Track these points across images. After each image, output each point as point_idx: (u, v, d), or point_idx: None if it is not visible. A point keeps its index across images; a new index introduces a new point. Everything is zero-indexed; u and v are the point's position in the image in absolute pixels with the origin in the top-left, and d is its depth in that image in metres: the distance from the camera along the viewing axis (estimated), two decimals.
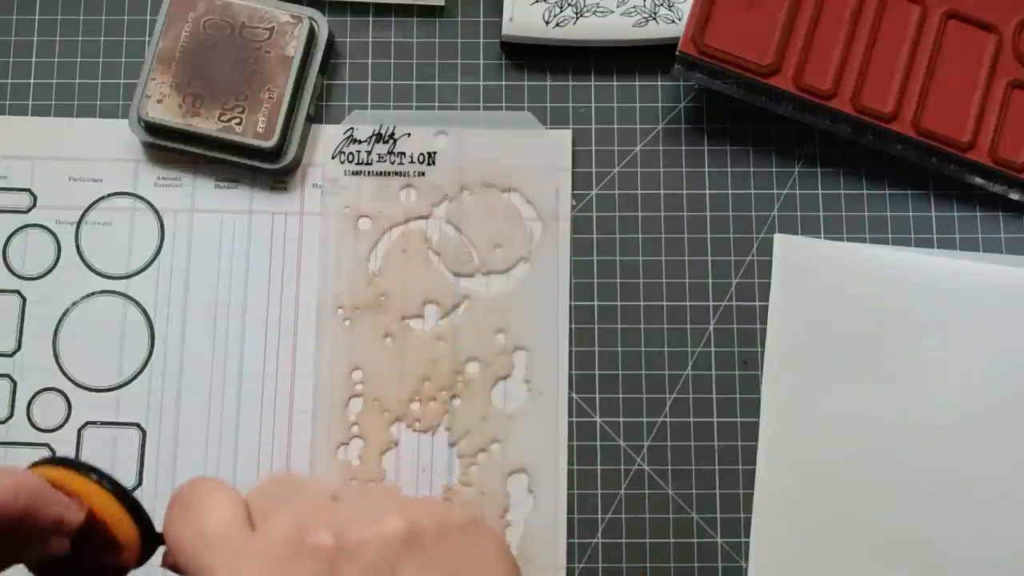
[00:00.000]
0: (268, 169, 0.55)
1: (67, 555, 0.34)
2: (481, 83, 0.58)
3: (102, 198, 0.56)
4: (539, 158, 0.56)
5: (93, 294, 0.55)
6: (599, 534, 0.53)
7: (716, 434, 0.54)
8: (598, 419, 0.54)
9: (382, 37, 0.58)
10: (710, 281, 0.56)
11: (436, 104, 0.58)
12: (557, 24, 0.56)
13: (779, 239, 0.56)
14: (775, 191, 0.57)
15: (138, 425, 0.54)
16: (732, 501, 0.53)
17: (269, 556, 0.33)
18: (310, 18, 0.56)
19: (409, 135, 0.57)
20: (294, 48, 0.55)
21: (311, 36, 0.56)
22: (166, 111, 0.54)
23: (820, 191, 0.57)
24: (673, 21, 0.56)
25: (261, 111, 0.54)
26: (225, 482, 0.36)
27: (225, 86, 0.54)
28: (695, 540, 0.53)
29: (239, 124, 0.54)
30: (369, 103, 0.58)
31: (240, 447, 0.54)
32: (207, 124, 0.54)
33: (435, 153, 0.57)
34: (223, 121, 0.54)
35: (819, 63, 0.54)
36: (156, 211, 0.56)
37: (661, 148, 0.57)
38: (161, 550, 0.35)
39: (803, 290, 0.55)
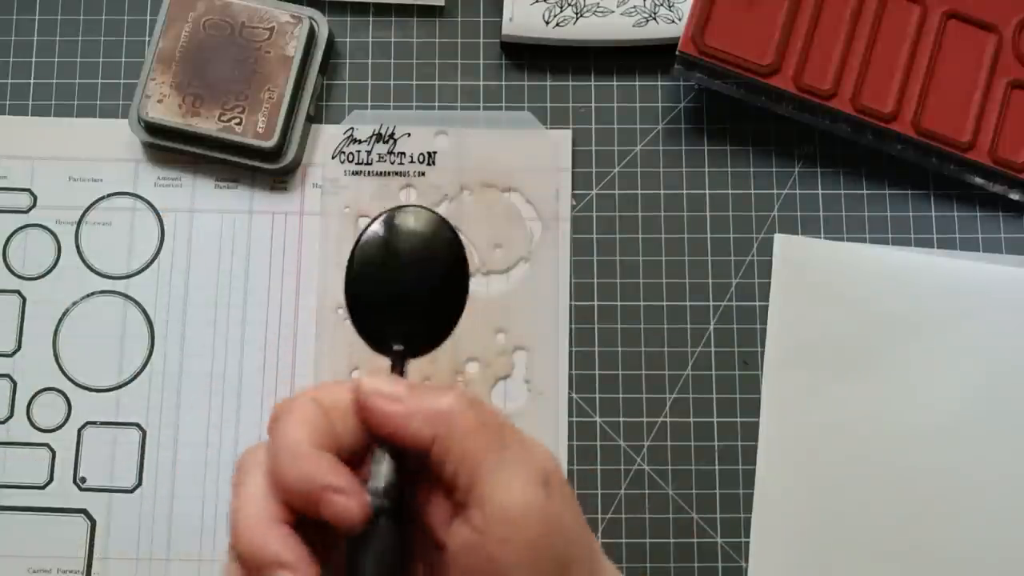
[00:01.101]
0: (268, 169, 0.55)
1: None
2: (481, 83, 0.58)
3: (102, 198, 0.56)
4: (539, 158, 0.56)
5: (93, 294, 0.55)
6: (599, 534, 0.53)
7: (716, 434, 0.54)
8: (598, 419, 0.54)
9: (382, 37, 0.58)
10: (710, 281, 0.56)
11: (436, 104, 0.58)
12: (557, 24, 0.56)
13: (779, 239, 0.56)
14: (775, 191, 0.57)
15: (138, 425, 0.54)
16: (732, 501, 0.53)
17: None
18: (310, 18, 0.56)
19: (409, 135, 0.57)
20: (294, 48, 0.55)
21: (311, 36, 0.56)
22: (166, 111, 0.54)
23: (820, 191, 0.57)
24: (673, 21, 0.56)
25: (261, 111, 0.54)
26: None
27: (225, 86, 0.54)
28: (695, 540, 0.53)
29: (239, 124, 0.54)
30: (369, 103, 0.58)
31: (241, 447, 0.54)
32: (207, 124, 0.54)
33: (435, 153, 0.56)
34: (223, 121, 0.54)
35: (819, 63, 0.54)
36: (156, 211, 0.56)
37: (661, 148, 0.57)
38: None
39: (803, 290, 0.55)
